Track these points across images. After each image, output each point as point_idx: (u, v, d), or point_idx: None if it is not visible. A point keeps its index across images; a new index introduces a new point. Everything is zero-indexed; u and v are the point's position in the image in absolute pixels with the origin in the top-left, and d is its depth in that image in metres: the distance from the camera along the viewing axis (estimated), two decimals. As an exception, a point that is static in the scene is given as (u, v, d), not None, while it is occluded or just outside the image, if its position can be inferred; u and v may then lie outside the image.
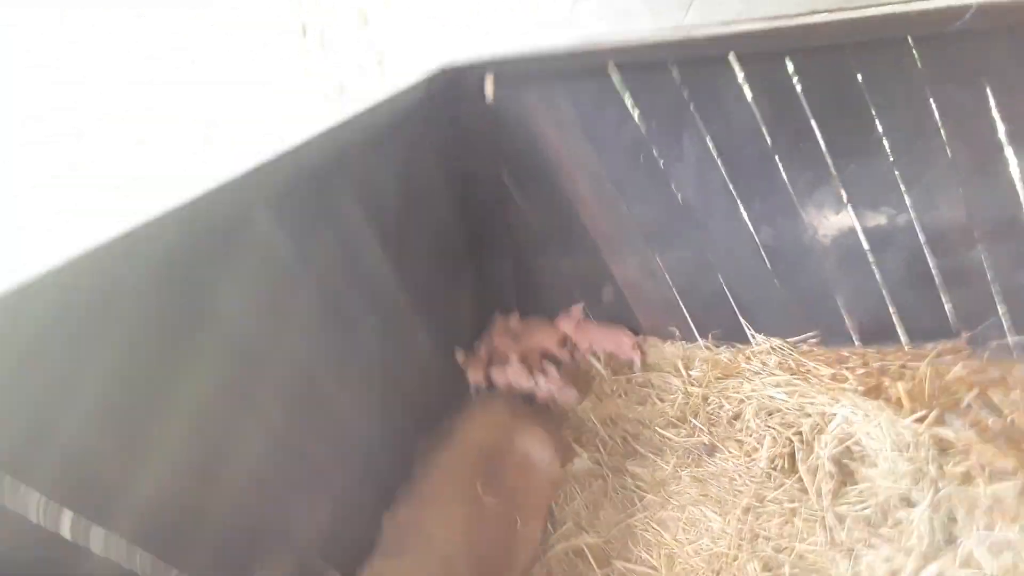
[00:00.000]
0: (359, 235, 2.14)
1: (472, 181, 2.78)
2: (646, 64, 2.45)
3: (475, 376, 2.70)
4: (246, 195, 1.64)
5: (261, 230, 1.71)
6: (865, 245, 2.58)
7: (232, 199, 1.59)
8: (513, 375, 2.65)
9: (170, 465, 1.43)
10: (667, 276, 2.84)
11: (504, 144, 2.71)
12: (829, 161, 2.48)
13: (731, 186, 2.59)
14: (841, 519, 2.07)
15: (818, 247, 2.63)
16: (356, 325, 2.12)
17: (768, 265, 2.70)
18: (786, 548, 2.05)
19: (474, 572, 2.00)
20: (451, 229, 2.77)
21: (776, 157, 2.51)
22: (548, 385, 2.64)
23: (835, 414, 2.35)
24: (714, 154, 2.54)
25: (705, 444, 2.45)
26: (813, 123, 2.43)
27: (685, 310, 2.89)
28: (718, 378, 2.70)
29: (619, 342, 2.88)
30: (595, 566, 2.11)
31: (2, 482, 1.10)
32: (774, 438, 2.35)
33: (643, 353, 2.89)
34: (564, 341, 2.96)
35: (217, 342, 1.57)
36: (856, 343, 2.73)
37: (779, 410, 2.45)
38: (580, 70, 2.50)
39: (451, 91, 2.59)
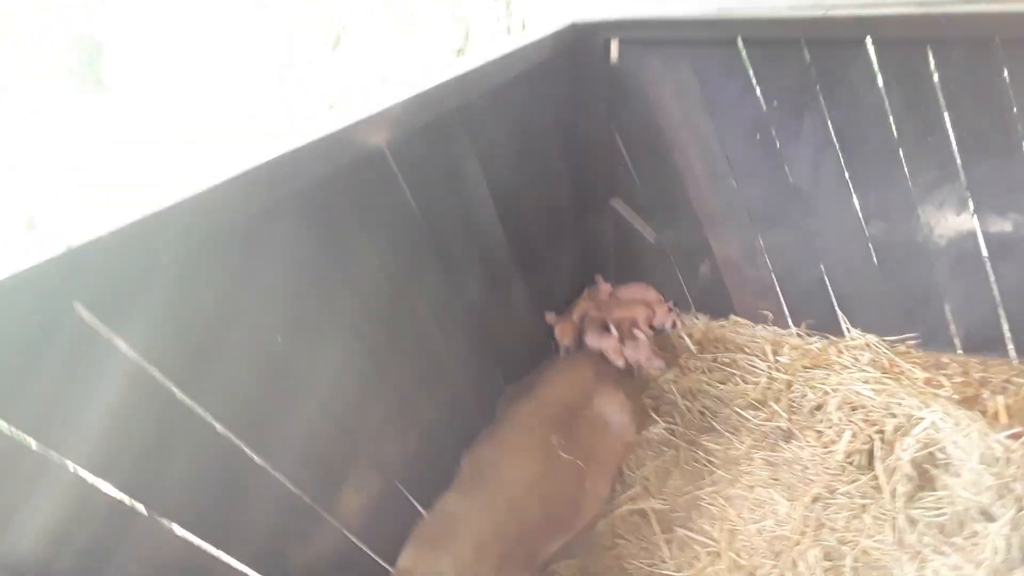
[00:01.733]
0: (473, 184, 2.25)
1: (585, 142, 2.82)
2: (776, 40, 2.40)
3: (564, 338, 2.79)
4: (375, 135, 1.76)
5: (387, 170, 1.84)
6: (984, 251, 2.47)
7: (362, 138, 1.72)
8: (605, 342, 2.72)
9: (293, 386, 1.61)
10: (767, 258, 2.82)
11: (622, 108, 2.73)
12: (958, 159, 2.37)
13: (847, 174, 2.52)
14: (913, 522, 2.06)
15: (932, 247, 2.53)
16: (461, 270, 2.24)
17: (875, 260, 2.63)
18: (851, 541, 2.06)
19: (541, 518, 2.13)
20: (560, 188, 2.83)
21: (900, 149, 2.42)
22: (636, 353, 2.69)
23: (923, 418, 2.31)
24: (834, 139, 2.48)
25: (783, 429, 2.46)
26: (946, 117, 2.32)
27: (781, 295, 2.86)
28: (805, 367, 2.67)
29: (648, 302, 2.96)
30: (658, 530, 2.20)
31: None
32: (855, 433, 2.34)
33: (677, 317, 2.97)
34: (656, 307, 2.99)
35: (342, 273, 1.73)
36: (958, 351, 2.64)
37: (864, 406, 2.42)
38: (707, 40, 2.48)
39: (577, 49, 2.62)
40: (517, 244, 2.49)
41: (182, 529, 1.38)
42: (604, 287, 3.06)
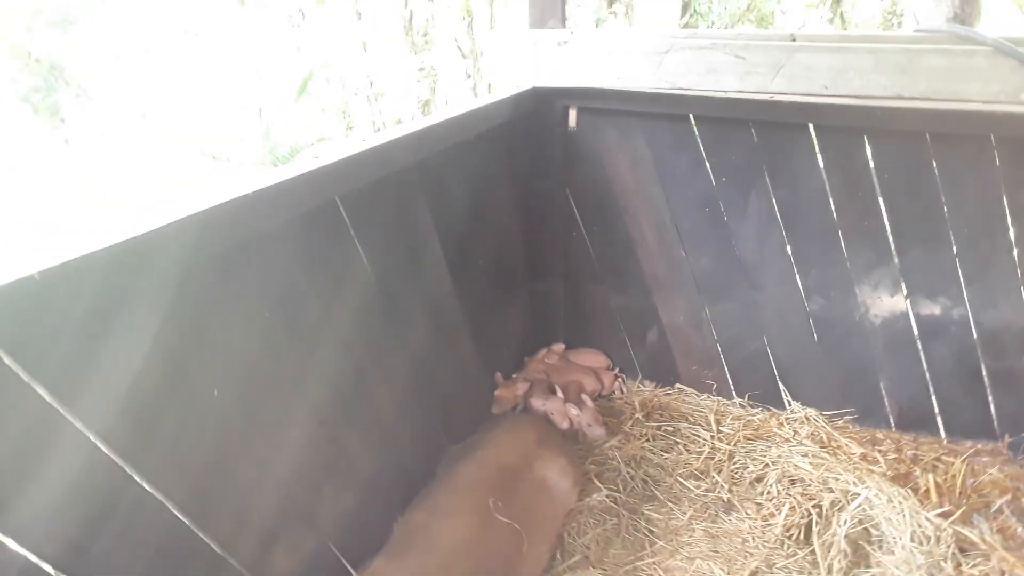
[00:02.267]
0: (426, 239, 2.24)
1: (540, 204, 2.87)
2: (727, 119, 2.50)
3: (503, 403, 2.75)
4: (329, 187, 1.75)
5: (339, 222, 1.82)
6: (915, 332, 2.57)
7: (317, 189, 1.70)
8: (551, 407, 2.69)
9: (215, 429, 1.53)
10: (713, 328, 2.87)
11: (578, 172, 2.79)
12: (892, 243, 2.49)
13: (790, 251, 2.62)
14: (849, 600, 2.07)
15: (867, 326, 2.63)
16: (409, 324, 2.21)
17: (815, 335, 2.71)
18: (789, 619, 2.05)
19: None
20: (513, 248, 2.85)
21: (839, 231, 2.53)
22: (580, 419, 2.68)
23: (858, 494, 2.34)
24: (779, 217, 2.58)
25: (724, 501, 2.46)
26: (881, 202, 2.45)
27: (725, 365, 2.91)
28: (747, 438, 2.70)
29: (597, 371, 2.99)
30: (597, 600, 2.14)
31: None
32: (793, 507, 2.35)
33: (623, 384, 3.04)
34: (603, 376, 3.01)
35: (285, 317, 1.68)
36: (892, 427, 2.72)
37: (803, 480, 2.45)
38: (662, 114, 2.57)
39: (536, 112, 2.68)
40: (467, 301, 2.48)
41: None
42: (558, 348, 3.06)
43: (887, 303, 2.58)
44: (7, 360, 1.08)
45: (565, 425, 2.68)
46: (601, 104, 2.65)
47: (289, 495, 1.76)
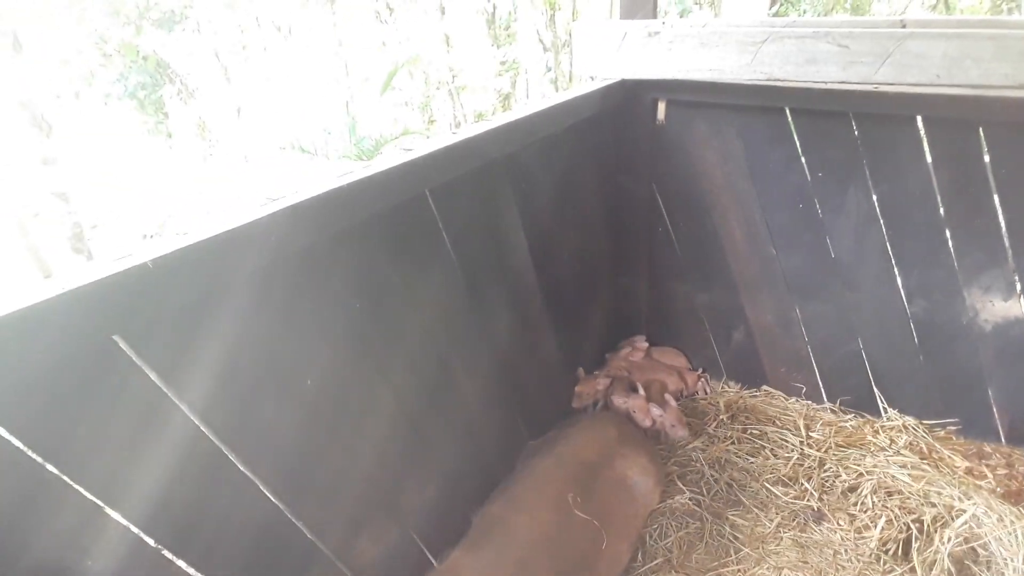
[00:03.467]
0: (511, 233, 2.24)
1: (625, 199, 2.82)
2: (825, 112, 2.39)
3: (583, 396, 2.73)
4: (419, 179, 1.76)
5: (428, 215, 1.83)
6: (1032, 339, 2.39)
7: (408, 182, 1.72)
8: (633, 404, 2.66)
9: (305, 416, 1.57)
10: (803, 329, 2.76)
11: (664, 167, 2.73)
12: (1007, 243, 2.31)
13: (890, 250, 2.48)
14: (952, 622, 1.95)
15: (976, 331, 2.46)
16: (493, 318, 2.22)
17: (915, 339, 2.56)
18: (885, 637, 1.95)
19: None
20: (596, 243, 2.82)
21: (947, 229, 2.37)
22: (663, 419, 2.63)
23: (964, 510, 2.20)
24: (879, 214, 2.44)
25: (814, 510, 2.36)
26: (996, 199, 2.27)
27: (816, 368, 2.79)
28: (839, 445, 2.59)
29: (680, 370, 2.92)
30: (679, 605, 2.10)
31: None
32: (891, 520, 2.23)
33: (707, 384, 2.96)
34: (685, 375, 2.94)
35: (374, 311, 1.71)
36: (1002, 440, 2.53)
37: (901, 492, 2.32)
38: (756, 107, 2.48)
39: (624, 106, 2.64)
40: (550, 296, 2.47)
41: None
42: (641, 345, 3.01)
43: (1000, 307, 2.40)
44: (122, 344, 1.14)
45: (647, 423, 2.64)
46: (691, 97, 2.57)
47: (374, 483, 1.81)
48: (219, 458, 1.35)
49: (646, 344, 3.04)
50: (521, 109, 2.20)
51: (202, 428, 1.30)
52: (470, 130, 1.94)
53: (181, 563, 1.29)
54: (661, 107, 2.63)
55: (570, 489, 2.20)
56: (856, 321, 2.65)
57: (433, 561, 2.03)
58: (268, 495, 1.46)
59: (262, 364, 1.43)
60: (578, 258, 2.69)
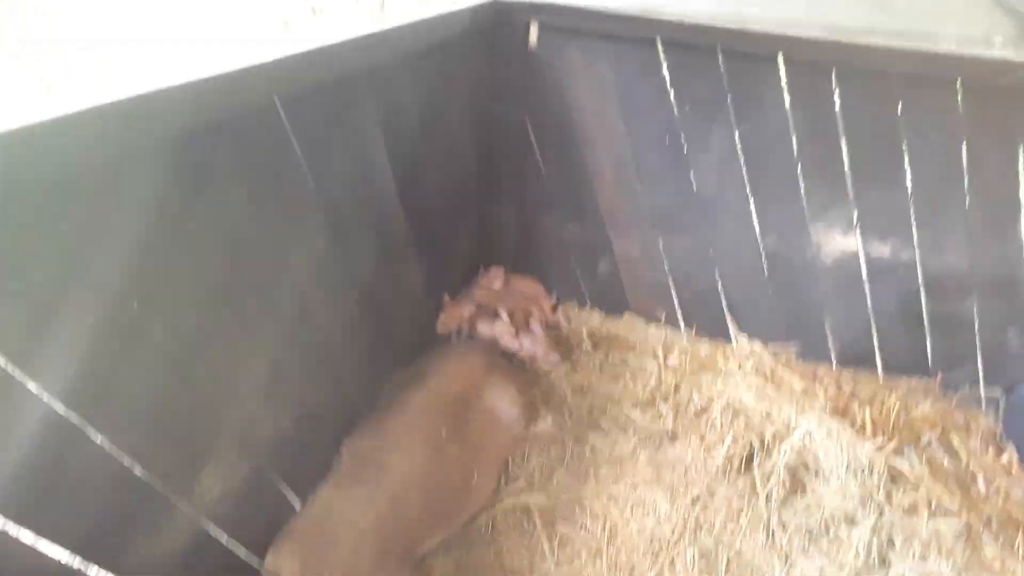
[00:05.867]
0: (374, 152, 2.11)
1: (497, 127, 2.75)
2: (694, 46, 2.41)
3: (448, 322, 2.70)
4: (266, 84, 1.59)
5: (275, 123, 1.67)
6: (864, 272, 2.60)
7: (252, 86, 1.55)
8: (500, 330, 2.66)
9: (151, 354, 1.42)
10: (665, 261, 2.85)
11: (536, 94, 2.67)
12: (849, 183, 2.48)
13: (748, 187, 2.59)
14: (784, 525, 2.13)
15: (818, 264, 2.65)
16: (352, 240, 2.10)
17: (766, 271, 2.72)
18: (726, 543, 2.11)
19: (424, 513, 2.04)
20: (464, 169, 2.74)
21: (799, 168, 2.50)
22: (532, 347, 2.65)
23: (798, 426, 2.40)
24: (739, 152, 2.53)
25: (668, 431, 2.49)
26: (843, 142, 2.42)
27: (675, 297, 2.91)
28: (693, 370, 2.73)
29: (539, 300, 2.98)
30: (540, 525, 2.16)
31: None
32: (736, 438, 2.40)
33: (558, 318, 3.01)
34: (543, 304, 2.98)
35: (213, 231, 1.54)
36: (833, 363, 2.78)
37: (746, 412, 2.49)
38: (628, 37, 2.46)
39: (496, 27, 2.53)
40: (415, 221, 2.37)
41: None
42: (497, 274, 2.99)
43: (839, 242, 2.59)
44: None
45: (515, 345, 2.65)
46: (564, 22, 2.51)
47: (215, 415, 1.66)
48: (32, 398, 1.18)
49: (501, 271, 3.03)
50: (384, 21, 2.05)
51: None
52: (328, 37, 1.77)
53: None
54: (533, 30, 2.55)
55: (443, 423, 2.18)
56: (714, 253, 2.77)
57: (295, 500, 1.95)
58: (104, 440, 1.31)
59: (80, 287, 1.26)
60: (445, 182, 2.61)
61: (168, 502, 1.52)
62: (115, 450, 1.35)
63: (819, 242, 2.61)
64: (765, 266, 2.71)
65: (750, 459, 2.35)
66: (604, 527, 2.18)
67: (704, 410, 2.55)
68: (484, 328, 2.69)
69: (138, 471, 1.44)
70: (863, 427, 2.43)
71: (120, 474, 1.39)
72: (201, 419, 1.62)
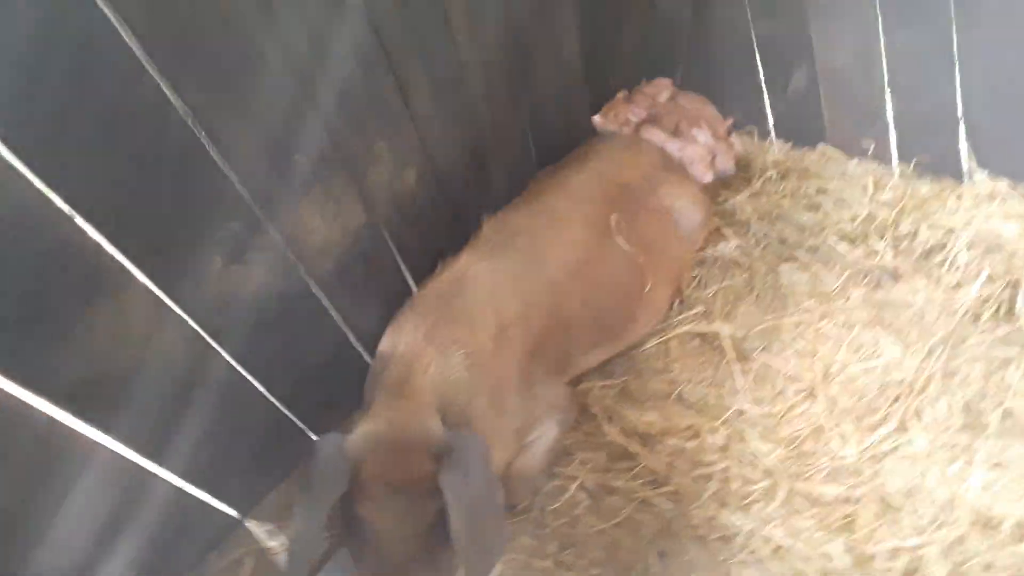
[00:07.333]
0: None
1: None
2: None
3: (612, 118, 2.16)
4: None
5: None
6: None
7: None
8: (692, 151, 2.08)
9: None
10: (884, 68, 2.19)
11: None
12: None
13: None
14: (1076, 385, 1.55)
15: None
16: None
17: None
18: (991, 398, 1.55)
19: (585, 316, 1.56)
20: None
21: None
22: (714, 148, 2.08)
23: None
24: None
25: (888, 268, 1.91)
26: None
27: (891, 120, 2.25)
28: (917, 204, 2.11)
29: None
30: (733, 355, 1.66)
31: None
32: (992, 277, 1.79)
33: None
34: (718, 127, 2.37)
35: None
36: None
37: (1004, 248, 1.87)
38: None
39: None
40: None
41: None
42: (665, 83, 2.40)
43: None
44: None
45: (708, 177, 2.07)
46: None
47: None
48: None
49: (671, 84, 2.43)
50: None
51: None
52: None
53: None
54: None
55: (611, 209, 1.67)
56: (959, 57, 2.08)
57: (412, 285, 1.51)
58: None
59: None
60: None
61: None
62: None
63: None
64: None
65: (1011, 305, 1.75)
66: (813, 367, 1.66)
67: (937, 247, 1.94)
68: (653, 134, 2.12)
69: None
70: None
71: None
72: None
